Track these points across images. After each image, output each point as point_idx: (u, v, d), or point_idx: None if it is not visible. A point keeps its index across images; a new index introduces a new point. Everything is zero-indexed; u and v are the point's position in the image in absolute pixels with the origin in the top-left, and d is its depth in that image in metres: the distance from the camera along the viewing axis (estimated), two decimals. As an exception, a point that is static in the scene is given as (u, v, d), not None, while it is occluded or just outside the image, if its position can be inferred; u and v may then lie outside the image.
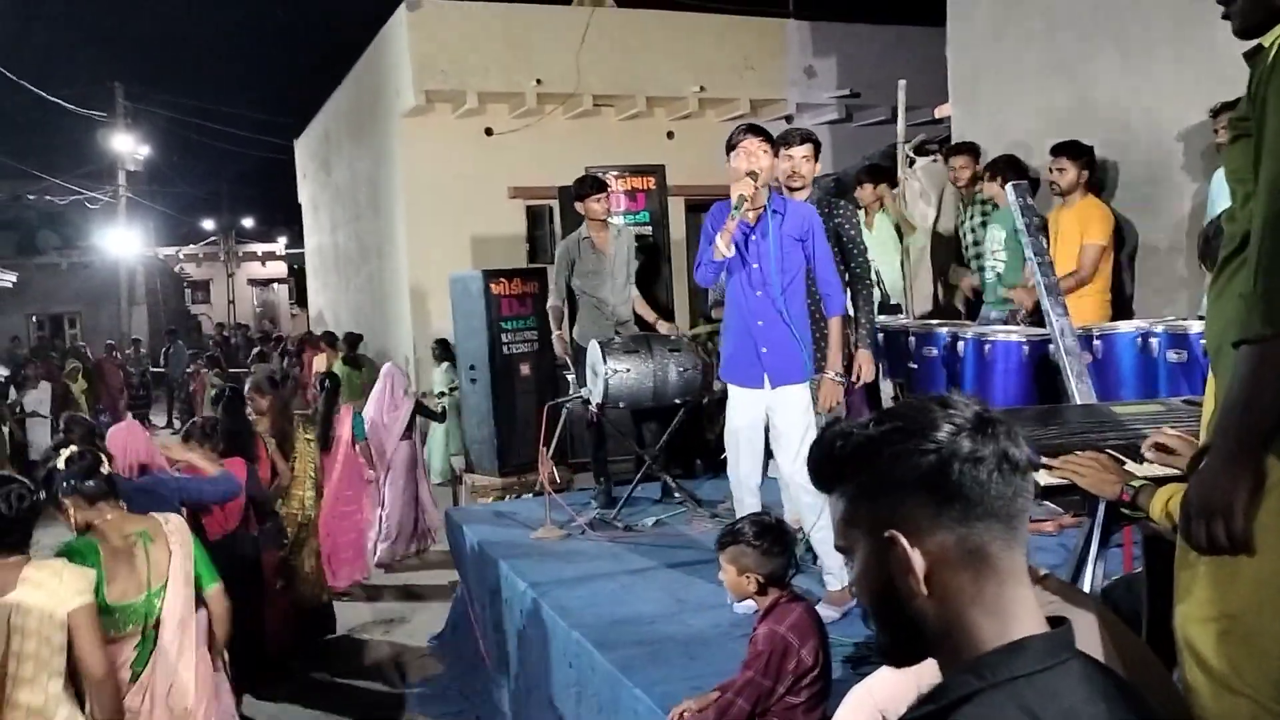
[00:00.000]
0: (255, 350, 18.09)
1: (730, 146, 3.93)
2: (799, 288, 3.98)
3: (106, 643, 3.07)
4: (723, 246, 3.79)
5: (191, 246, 39.85)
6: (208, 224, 40.17)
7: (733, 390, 4.07)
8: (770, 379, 3.93)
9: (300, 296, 32.89)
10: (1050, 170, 5.57)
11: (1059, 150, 5.53)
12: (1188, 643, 1.77)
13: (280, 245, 40.77)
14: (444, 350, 10.54)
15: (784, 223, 3.91)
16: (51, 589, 2.90)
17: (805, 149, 4.38)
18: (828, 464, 1.18)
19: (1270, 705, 1.65)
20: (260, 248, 41.65)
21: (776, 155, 4.02)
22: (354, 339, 11.97)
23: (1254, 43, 1.76)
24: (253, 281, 41.63)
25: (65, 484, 3.32)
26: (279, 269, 41.45)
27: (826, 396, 4.06)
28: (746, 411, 4.00)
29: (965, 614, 1.10)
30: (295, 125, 20.89)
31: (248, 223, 42.09)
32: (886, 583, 1.13)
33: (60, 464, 3.35)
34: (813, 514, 3.75)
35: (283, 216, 35.06)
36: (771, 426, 3.98)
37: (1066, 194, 5.54)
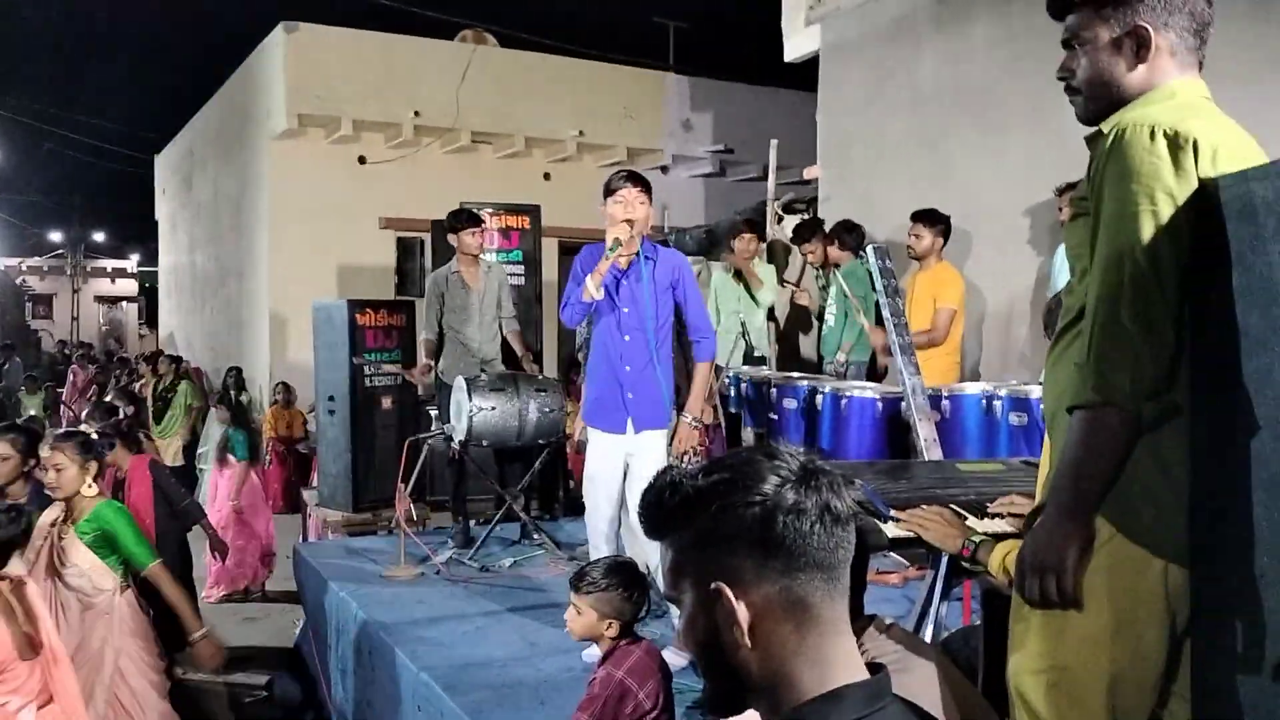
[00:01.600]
0: (93, 368, 17.13)
1: (609, 191, 3.97)
2: (668, 334, 4.04)
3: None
4: (592, 288, 3.84)
5: (36, 258, 37.74)
6: (55, 236, 38.13)
7: (594, 435, 4.06)
8: (634, 424, 3.95)
9: (150, 317, 31.48)
10: (909, 235, 5.82)
11: (917, 217, 5.80)
12: (1019, 693, 1.85)
13: (132, 262, 38.98)
14: (238, 380, 11.41)
15: (656, 269, 3.96)
16: None
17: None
18: (657, 513, 1.18)
19: None
20: (110, 264, 39.72)
21: (651, 203, 4.07)
22: (176, 361, 12.61)
23: (1096, 128, 1.90)
24: (100, 299, 39.61)
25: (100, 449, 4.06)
26: (129, 287, 39.59)
27: (682, 440, 4.06)
28: (607, 457, 4.00)
29: (787, 664, 1.12)
30: (157, 139, 20.15)
31: (98, 237, 40.12)
32: (712, 633, 1.14)
33: (94, 434, 4.20)
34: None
35: (136, 233, 33.54)
36: (630, 472, 3.98)
37: (922, 259, 5.81)
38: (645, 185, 3.99)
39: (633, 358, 3.94)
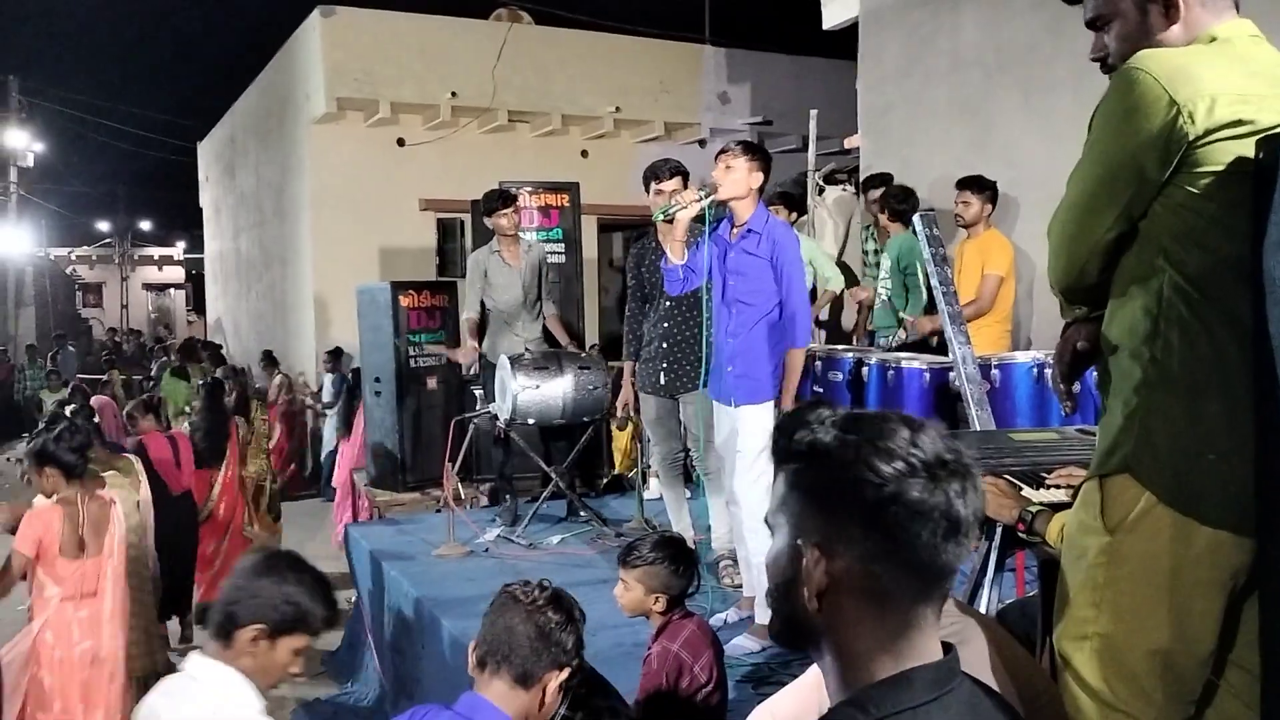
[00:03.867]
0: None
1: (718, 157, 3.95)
2: (775, 308, 3.91)
3: None
4: (673, 255, 3.85)
5: (85, 248, 38.38)
6: (103, 225, 38.72)
7: (716, 405, 4.05)
8: (735, 397, 3.85)
9: (198, 303, 31.95)
10: (956, 203, 5.72)
11: (964, 184, 5.69)
12: (1064, 658, 1.81)
13: (178, 250, 39.53)
14: (335, 360, 10.86)
15: (760, 242, 3.86)
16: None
17: (675, 182, 4.53)
18: (785, 441, 1.15)
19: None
20: (157, 251, 40.31)
21: (766, 173, 3.93)
22: (190, 347, 13.24)
23: None
24: (148, 286, 40.25)
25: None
26: (176, 274, 40.20)
27: None
28: (724, 427, 3.96)
29: (857, 643, 1.10)
30: (199, 127, 20.39)
31: (145, 225, 40.67)
32: (790, 580, 1.13)
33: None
34: (754, 538, 3.69)
35: (182, 220, 33.98)
36: (725, 444, 3.93)
37: (970, 226, 5.70)
38: (749, 150, 3.87)
39: (737, 330, 3.86)
